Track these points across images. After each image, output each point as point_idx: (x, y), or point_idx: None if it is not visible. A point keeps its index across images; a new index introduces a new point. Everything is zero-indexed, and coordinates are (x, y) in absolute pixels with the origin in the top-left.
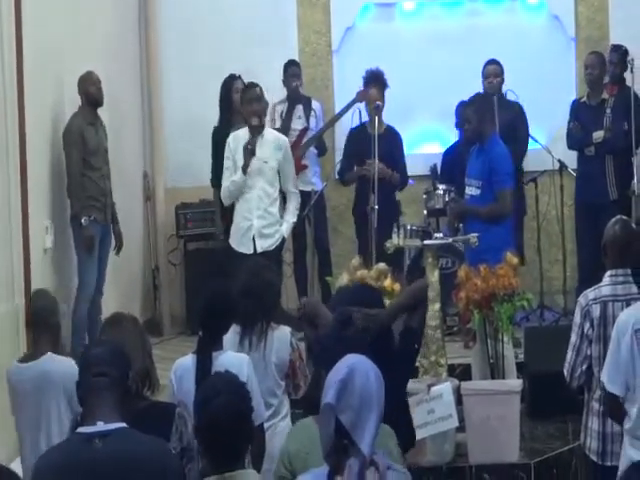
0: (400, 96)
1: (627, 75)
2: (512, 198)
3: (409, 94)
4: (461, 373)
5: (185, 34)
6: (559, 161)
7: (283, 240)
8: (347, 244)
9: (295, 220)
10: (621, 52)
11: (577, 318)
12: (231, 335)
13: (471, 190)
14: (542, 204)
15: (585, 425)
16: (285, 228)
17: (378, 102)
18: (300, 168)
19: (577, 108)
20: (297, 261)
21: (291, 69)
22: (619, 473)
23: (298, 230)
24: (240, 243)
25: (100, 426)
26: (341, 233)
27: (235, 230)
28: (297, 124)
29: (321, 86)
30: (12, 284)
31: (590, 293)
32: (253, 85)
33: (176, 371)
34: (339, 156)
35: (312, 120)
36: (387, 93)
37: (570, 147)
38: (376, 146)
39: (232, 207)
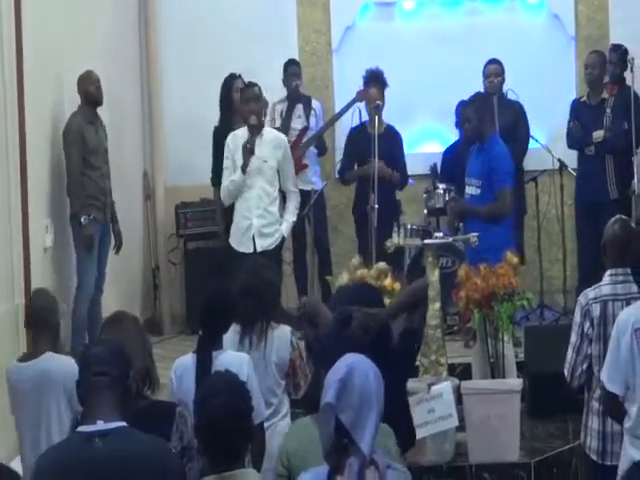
0: (400, 95)
1: (627, 74)
2: (512, 197)
3: (409, 93)
4: (461, 372)
5: (185, 34)
6: (559, 160)
7: (283, 239)
8: (347, 243)
9: (295, 219)
10: (621, 51)
11: (577, 317)
12: (231, 334)
13: (471, 189)
14: (542, 203)
15: (585, 424)
16: (285, 227)
17: (378, 101)
18: (300, 167)
19: (577, 107)
20: (297, 260)
21: (291, 68)
22: (619, 472)
23: (298, 229)
24: (240, 242)
25: (100, 425)
26: (341, 232)
27: (235, 229)
28: (297, 123)
29: (321, 85)
30: (12, 283)
31: (590, 292)
32: (251, 84)
33: (176, 370)
34: (339, 155)
35: (312, 119)
36: (387, 92)
37: (570, 146)
38: (376, 145)
39: (232, 206)
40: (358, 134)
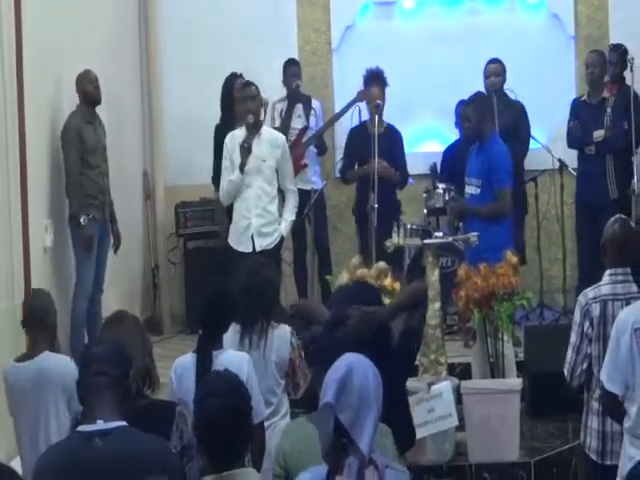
0: (400, 95)
1: (627, 74)
2: (512, 197)
3: (409, 93)
4: (461, 372)
5: (185, 34)
6: (559, 160)
7: (282, 239)
8: (347, 243)
9: (294, 218)
10: (620, 51)
11: (577, 317)
12: (231, 334)
13: (471, 189)
14: (542, 203)
15: (585, 424)
16: (284, 227)
17: (378, 101)
18: (300, 167)
19: (577, 107)
20: (297, 260)
21: (291, 68)
22: (619, 472)
23: (298, 229)
24: (239, 242)
25: (100, 425)
26: (341, 232)
27: (234, 229)
28: (297, 123)
29: (321, 85)
30: (12, 283)
31: (590, 292)
32: (249, 84)
33: (176, 369)
34: (339, 155)
35: (312, 119)
36: (387, 92)
37: (570, 146)
38: (376, 145)
39: (232, 206)
40: (359, 133)
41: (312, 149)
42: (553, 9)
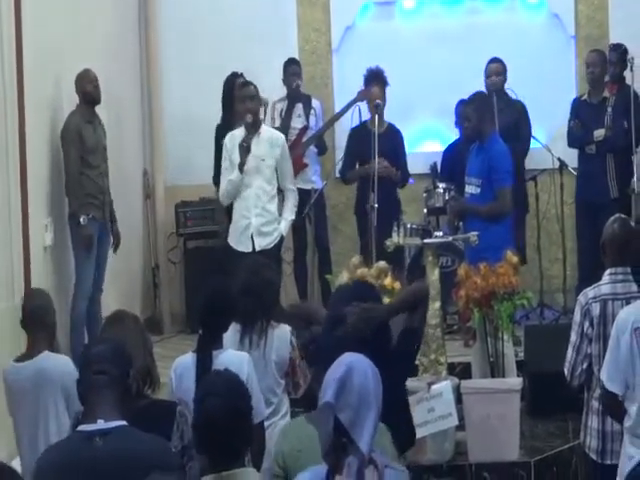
0: (400, 94)
1: (627, 74)
2: (512, 196)
3: (409, 92)
4: (461, 371)
5: (185, 34)
6: (559, 160)
7: (282, 238)
8: (347, 242)
9: (293, 218)
10: (621, 51)
11: (577, 317)
12: (231, 333)
13: (471, 188)
14: (542, 203)
15: (585, 424)
16: (283, 226)
17: (378, 100)
18: (300, 167)
19: (578, 106)
20: (297, 259)
21: (291, 68)
22: (619, 472)
23: (298, 228)
24: (239, 241)
25: (100, 424)
26: (341, 231)
27: (233, 229)
28: (297, 122)
29: (321, 85)
30: (12, 282)
31: (590, 292)
32: (247, 83)
33: (176, 369)
34: (339, 155)
35: (312, 119)
36: (387, 91)
37: (571, 145)
38: (376, 144)
39: (232, 205)
40: (359, 133)
41: (312, 149)
42: (553, 9)
